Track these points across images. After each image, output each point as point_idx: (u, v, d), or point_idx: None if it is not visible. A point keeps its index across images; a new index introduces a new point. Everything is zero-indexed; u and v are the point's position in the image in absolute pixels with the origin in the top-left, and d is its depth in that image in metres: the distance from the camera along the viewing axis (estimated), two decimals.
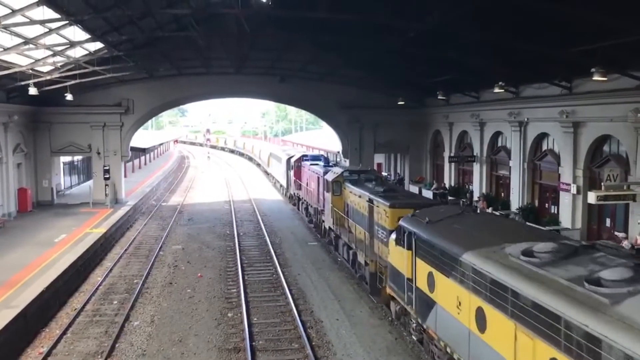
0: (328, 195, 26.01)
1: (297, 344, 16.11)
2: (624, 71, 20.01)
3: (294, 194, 39.96)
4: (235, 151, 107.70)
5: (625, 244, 20.44)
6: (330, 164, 34.06)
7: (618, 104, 21.36)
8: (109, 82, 36.31)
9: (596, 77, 18.53)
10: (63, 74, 29.95)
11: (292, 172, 40.03)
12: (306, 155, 39.17)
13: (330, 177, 25.84)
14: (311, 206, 32.66)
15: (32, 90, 27.79)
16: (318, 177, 29.37)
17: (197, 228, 33.65)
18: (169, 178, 63.24)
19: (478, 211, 21.87)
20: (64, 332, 17.03)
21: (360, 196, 21.89)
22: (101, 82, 35.31)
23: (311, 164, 33.82)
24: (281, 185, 48.73)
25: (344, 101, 40.30)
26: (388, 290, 16.70)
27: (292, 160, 40.17)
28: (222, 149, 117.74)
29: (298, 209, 38.75)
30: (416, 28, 21.39)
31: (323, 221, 28.48)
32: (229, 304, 19.65)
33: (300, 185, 37.02)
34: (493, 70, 25.50)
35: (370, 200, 20.34)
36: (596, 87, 21.86)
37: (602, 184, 20.70)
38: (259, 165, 76.42)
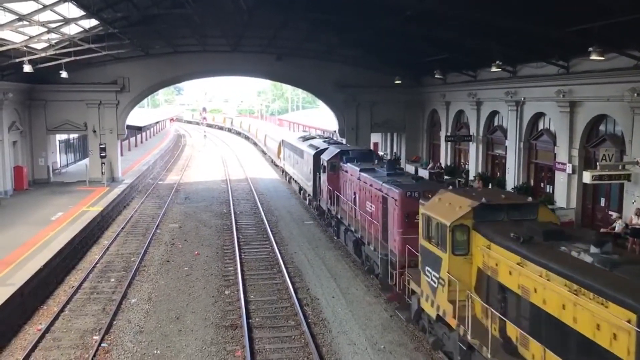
0: (439, 255, 12.85)
1: (293, 321, 16.29)
2: (622, 50, 19.97)
3: (330, 210, 25.91)
4: (241, 133, 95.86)
5: (620, 223, 20.60)
6: (398, 170, 22.01)
7: (615, 83, 21.34)
8: (105, 60, 36.04)
9: (594, 57, 18.47)
10: (58, 51, 29.70)
11: (324, 177, 26.44)
12: (346, 152, 25.36)
13: (446, 215, 12.64)
14: (369, 244, 19.33)
15: (27, 68, 27.58)
16: (384, 198, 18.22)
17: (193, 207, 33.72)
18: (166, 156, 63.15)
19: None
20: (62, 310, 17.18)
21: (580, 291, 9.03)
22: (96, 60, 35.04)
23: (362, 170, 21.41)
24: (301, 189, 34.99)
25: (341, 80, 40.15)
26: None
27: (325, 158, 26.22)
28: (229, 130, 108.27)
29: (337, 235, 25.00)
30: (413, 7, 21.26)
31: (413, 292, 15.09)
32: (225, 282, 19.81)
33: (338, 198, 24.27)
34: (490, 49, 25.40)
35: None
36: (593, 67, 21.83)
37: (598, 163, 20.77)
38: (264, 153, 63.83)
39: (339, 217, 23.91)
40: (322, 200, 27.60)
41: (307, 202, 32.87)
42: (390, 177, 19.46)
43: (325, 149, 28.06)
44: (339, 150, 25.99)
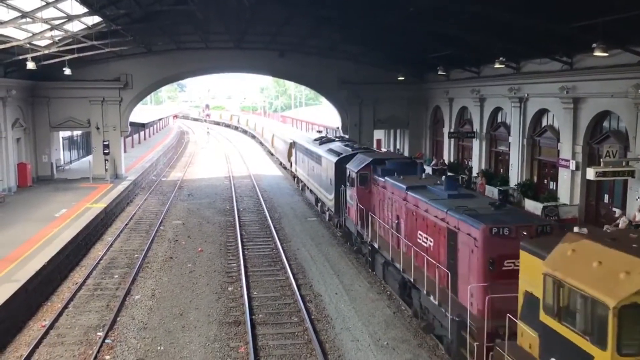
0: (587, 350, 8.03)
1: (296, 318, 16.31)
2: (625, 46, 19.91)
3: (360, 234, 20.97)
4: (248, 132, 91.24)
5: (623, 219, 20.56)
6: (463, 190, 16.40)
7: (619, 79, 21.30)
8: (108, 57, 36.05)
9: (597, 53, 18.42)
10: (61, 48, 29.73)
11: (351, 191, 21.66)
12: (380, 161, 20.37)
13: (601, 285, 7.84)
14: (428, 294, 14.11)
15: (30, 65, 27.63)
16: (452, 232, 13.27)
17: (197, 203, 33.76)
18: (169, 153, 63.21)
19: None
20: (66, 306, 17.24)
21: None
22: (100, 57, 35.05)
23: (411, 188, 16.42)
24: (318, 201, 29.76)
25: (344, 77, 40.12)
26: None
27: (353, 169, 21.27)
28: (236, 128, 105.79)
29: (372, 268, 19.90)
30: (417, 3, 21.22)
31: None
32: (229, 278, 19.84)
33: (372, 221, 19.37)
34: (494, 46, 25.34)
35: None
36: (597, 63, 21.77)
37: (601, 160, 20.74)
38: (271, 154, 59.41)
39: (377, 246, 18.75)
40: (348, 219, 22.72)
41: (327, 218, 27.60)
42: (454, 199, 14.45)
43: (350, 156, 23.24)
44: (371, 159, 20.75)
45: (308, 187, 32.76)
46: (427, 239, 14.87)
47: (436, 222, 14.22)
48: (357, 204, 20.81)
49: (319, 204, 29.60)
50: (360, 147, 27.33)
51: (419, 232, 15.39)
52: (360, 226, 20.73)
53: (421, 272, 14.78)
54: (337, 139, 32.13)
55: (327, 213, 27.28)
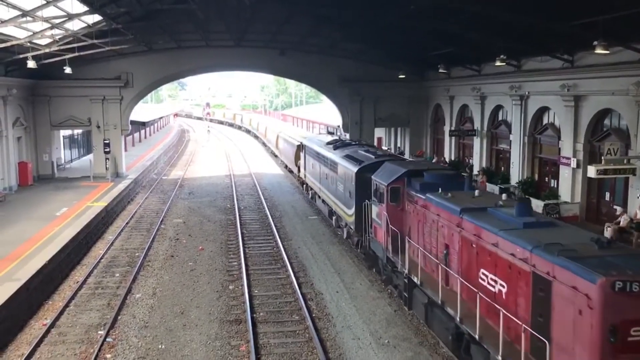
0: None
1: (297, 316, 16.32)
2: (627, 44, 19.89)
3: (392, 261, 17.24)
4: (251, 132, 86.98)
5: (625, 217, 20.54)
6: (542, 218, 13.20)
7: (620, 77, 21.27)
8: (108, 55, 36.07)
9: (598, 50, 18.39)
10: (62, 47, 29.72)
11: (379, 208, 17.86)
12: (416, 172, 16.88)
13: None
14: None
15: (31, 64, 27.62)
16: (541, 280, 9.89)
17: (198, 202, 33.76)
18: (169, 152, 63.19)
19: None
20: (67, 305, 17.25)
21: None
22: (100, 55, 35.04)
23: (467, 211, 12.97)
24: (333, 213, 25.98)
25: (344, 75, 40.12)
26: None
27: (382, 182, 17.42)
28: (239, 127, 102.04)
29: (408, 306, 16.22)
30: (417, 2, 21.19)
31: None
32: (230, 277, 19.85)
33: (410, 247, 16.08)
34: (494, 44, 25.31)
35: None
36: (598, 61, 21.75)
37: (602, 157, 20.72)
38: (275, 156, 55.43)
39: (417, 280, 14.98)
40: (373, 241, 18.89)
41: (345, 235, 23.88)
42: (533, 230, 11.15)
43: (374, 165, 19.84)
44: (405, 169, 17.09)
45: (319, 197, 29.01)
46: (495, 281, 11.38)
47: (512, 262, 10.78)
48: (387, 225, 17.05)
49: (334, 217, 25.80)
50: (384, 153, 24.22)
51: (482, 270, 11.93)
52: (392, 252, 16.96)
53: (492, 328, 11.17)
54: (354, 143, 28.12)
55: (345, 229, 23.63)
